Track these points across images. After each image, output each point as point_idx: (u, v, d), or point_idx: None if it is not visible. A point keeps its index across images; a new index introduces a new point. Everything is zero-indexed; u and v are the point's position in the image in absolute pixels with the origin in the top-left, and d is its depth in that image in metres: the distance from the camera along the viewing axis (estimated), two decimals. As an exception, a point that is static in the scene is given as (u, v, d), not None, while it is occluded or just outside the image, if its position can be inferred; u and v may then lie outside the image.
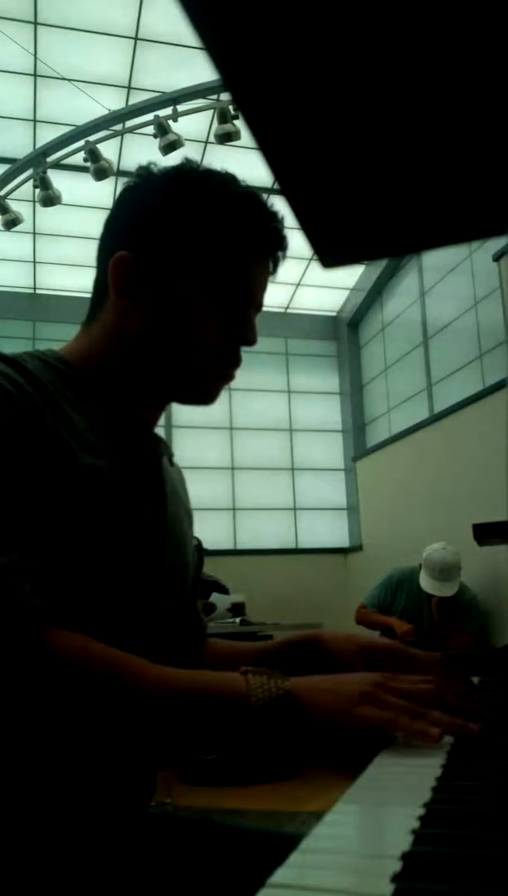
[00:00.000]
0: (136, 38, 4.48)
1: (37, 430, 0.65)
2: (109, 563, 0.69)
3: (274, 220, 0.80)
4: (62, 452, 0.67)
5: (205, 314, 0.77)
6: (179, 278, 0.77)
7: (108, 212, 0.83)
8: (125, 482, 0.73)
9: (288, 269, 6.07)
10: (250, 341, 0.80)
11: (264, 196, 0.80)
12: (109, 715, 0.60)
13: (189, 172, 0.80)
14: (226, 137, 3.94)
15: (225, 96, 3.83)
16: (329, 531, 6.40)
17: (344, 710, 0.59)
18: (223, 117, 3.95)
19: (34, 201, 4.52)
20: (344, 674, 0.66)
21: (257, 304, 0.82)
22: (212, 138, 4.17)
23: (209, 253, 0.77)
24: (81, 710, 0.59)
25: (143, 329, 0.77)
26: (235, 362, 0.80)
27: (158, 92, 4.34)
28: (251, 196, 0.80)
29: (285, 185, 0.24)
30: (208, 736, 0.61)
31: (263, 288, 0.82)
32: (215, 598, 3.86)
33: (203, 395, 0.81)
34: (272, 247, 0.80)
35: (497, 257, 4.15)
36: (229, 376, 0.81)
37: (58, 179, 4.37)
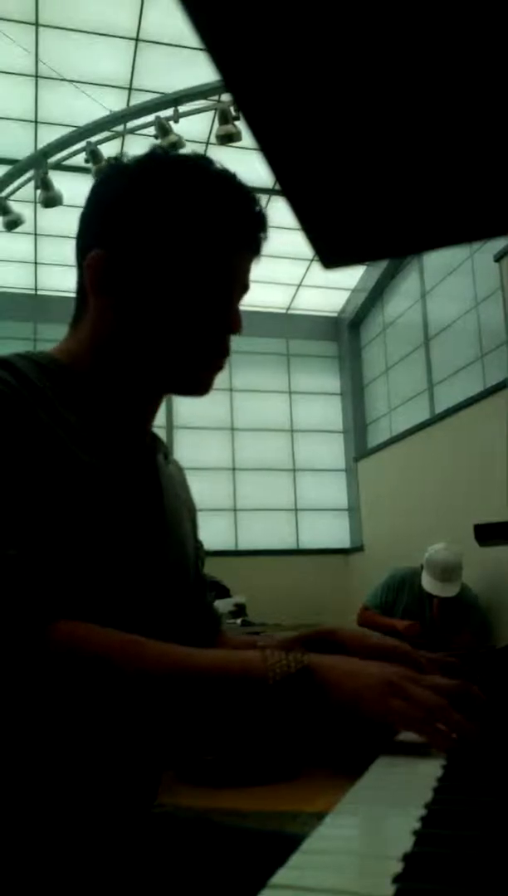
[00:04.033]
0: (137, 39, 4.48)
1: (30, 428, 0.65)
2: (109, 561, 0.69)
3: (250, 201, 0.77)
4: (57, 450, 0.67)
5: (186, 305, 0.75)
6: (156, 270, 0.75)
7: None
8: (120, 479, 0.73)
9: (289, 270, 6.10)
10: (236, 329, 0.78)
11: (239, 178, 0.77)
12: (120, 700, 0.58)
13: (157, 160, 0.77)
14: (227, 138, 3.94)
15: (226, 97, 3.83)
16: (330, 532, 6.39)
17: (368, 696, 0.57)
18: (224, 118, 3.95)
19: (35, 202, 4.52)
20: (368, 661, 0.64)
21: (242, 287, 0.79)
22: (213, 139, 4.17)
23: (184, 242, 0.74)
24: (89, 701, 0.58)
25: (125, 326, 0.76)
26: (223, 351, 0.78)
27: (160, 93, 4.34)
28: (224, 178, 0.76)
29: (285, 186, 0.24)
30: (226, 714, 0.59)
31: (246, 271, 0.79)
32: (217, 602, 3.86)
33: (194, 387, 0.79)
34: (252, 229, 0.77)
35: (498, 258, 4.15)
36: (218, 366, 0.79)
37: (59, 180, 4.37)
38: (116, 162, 0.78)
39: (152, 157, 0.78)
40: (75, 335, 0.79)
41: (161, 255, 0.74)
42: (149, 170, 0.76)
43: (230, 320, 0.78)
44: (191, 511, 0.91)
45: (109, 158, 0.79)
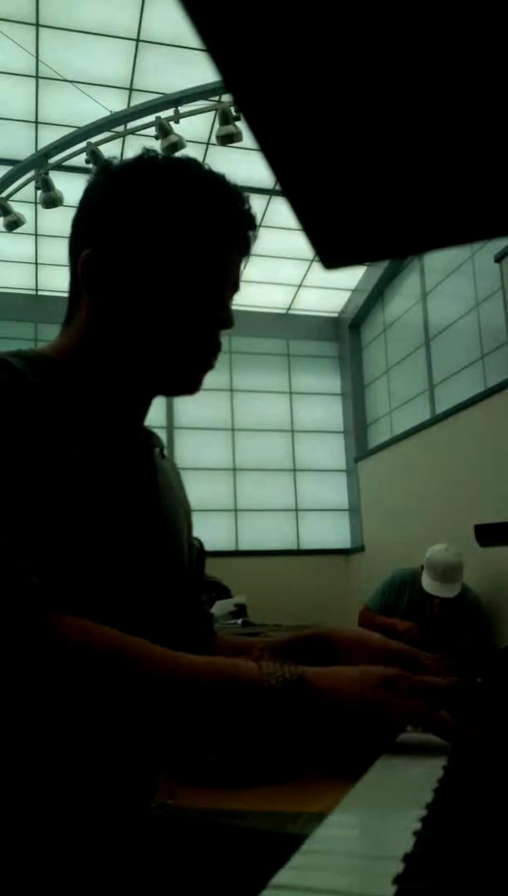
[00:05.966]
0: (137, 40, 4.48)
1: (26, 423, 0.65)
2: (103, 554, 0.69)
3: (238, 201, 0.78)
4: (51, 446, 0.67)
5: (176, 304, 0.75)
6: (146, 270, 0.75)
7: None
8: (115, 475, 0.73)
9: (290, 270, 6.10)
10: (228, 324, 0.79)
11: (227, 178, 0.78)
12: (113, 698, 0.58)
13: (145, 161, 0.78)
14: (228, 139, 3.94)
15: (227, 98, 3.83)
16: (331, 532, 6.39)
17: (368, 694, 0.58)
18: (225, 119, 3.95)
19: (36, 203, 4.53)
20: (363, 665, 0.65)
21: (233, 284, 0.80)
22: (214, 139, 4.17)
23: (173, 242, 0.75)
24: (84, 696, 0.58)
25: (116, 324, 0.76)
26: (214, 349, 0.79)
27: (160, 93, 4.35)
28: (212, 178, 0.77)
29: (286, 186, 0.24)
30: (223, 720, 0.60)
31: (236, 269, 0.80)
32: (217, 602, 3.86)
33: (185, 385, 0.80)
34: (240, 228, 0.78)
35: (499, 258, 4.15)
36: (209, 364, 0.80)
37: (59, 181, 4.37)
38: (107, 164, 0.79)
39: (141, 158, 0.79)
40: (67, 333, 0.79)
41: (151, 254, 0.75)
42: (138, 170, 0.77)
43: (221, 318, 0.78)
44: (186, 509, 0.92)
45: (102, 162, 0.80)
